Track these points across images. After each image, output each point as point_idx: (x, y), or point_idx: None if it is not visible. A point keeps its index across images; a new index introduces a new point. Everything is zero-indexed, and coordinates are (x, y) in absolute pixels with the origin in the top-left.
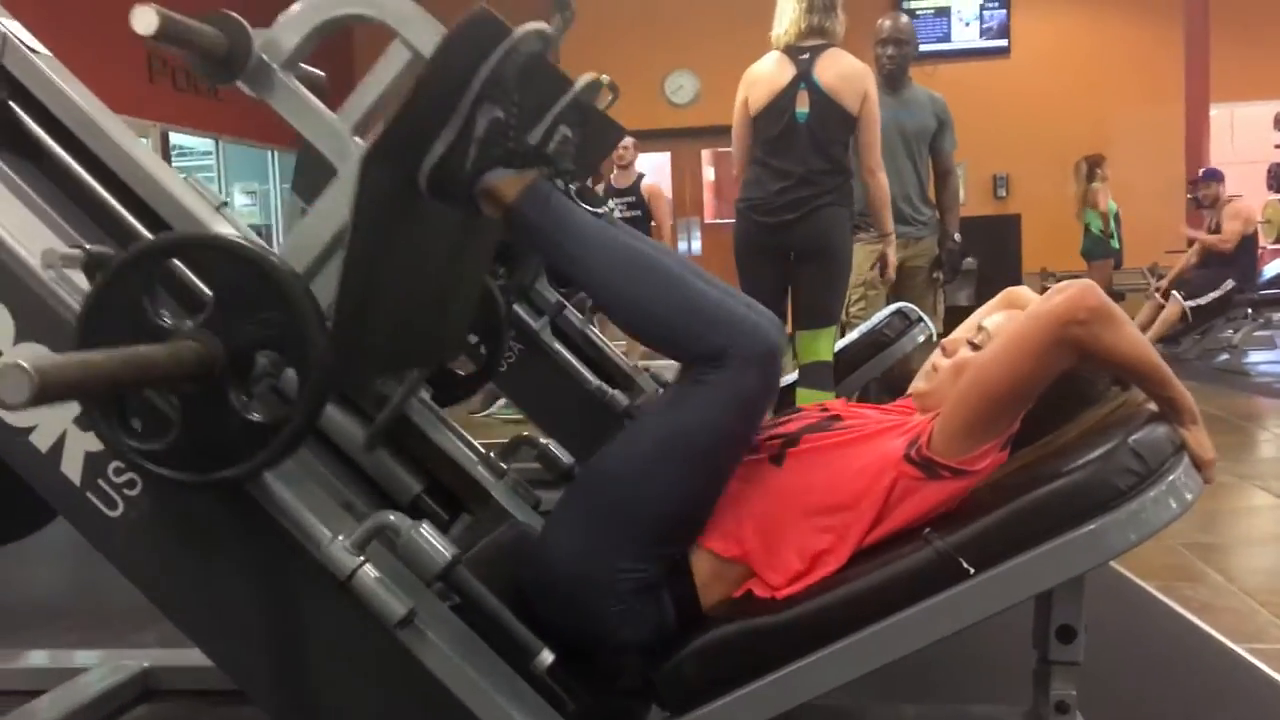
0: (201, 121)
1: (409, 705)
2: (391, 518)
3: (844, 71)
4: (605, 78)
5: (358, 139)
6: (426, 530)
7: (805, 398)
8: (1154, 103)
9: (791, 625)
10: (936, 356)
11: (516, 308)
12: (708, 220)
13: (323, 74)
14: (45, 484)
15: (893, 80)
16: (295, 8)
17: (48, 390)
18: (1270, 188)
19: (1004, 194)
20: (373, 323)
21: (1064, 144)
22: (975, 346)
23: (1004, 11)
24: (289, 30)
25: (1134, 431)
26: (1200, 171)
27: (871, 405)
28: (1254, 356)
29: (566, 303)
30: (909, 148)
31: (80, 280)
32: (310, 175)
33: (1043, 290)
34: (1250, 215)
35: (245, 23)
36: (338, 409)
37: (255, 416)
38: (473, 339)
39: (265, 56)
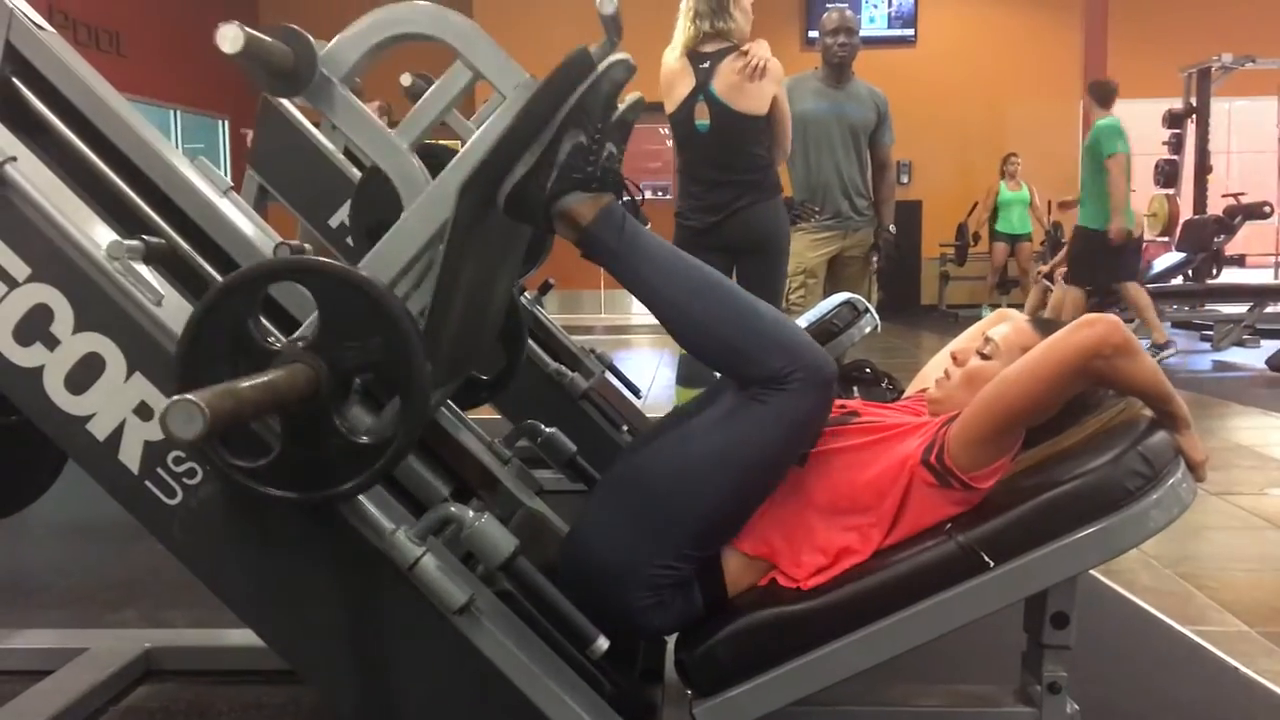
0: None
1: (463, 689)
2: (453, 509)
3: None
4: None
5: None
6: (490, 520)
7: None
8: (1053, 96)
9: (822, 613)
10: (948, 364)
11: None
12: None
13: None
14: (101, 472)
15: (841, 71)
16: (360, 24)
17: (216, 424)
18: (1157, 182)
19: (906, 180)
20: (447, 337)
21: (966, 134)
22: (985, 356)
23: (912, 1)
24: (350, 47)
25: (1140, 438)
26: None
27: (885, 405)
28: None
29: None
30: (850, 140)
31: (144, 271)
32: (270, 149)
33: (942, 276)
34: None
35: (311, 39)
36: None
37: (363, 439)
38: None
39: (326, 71)
